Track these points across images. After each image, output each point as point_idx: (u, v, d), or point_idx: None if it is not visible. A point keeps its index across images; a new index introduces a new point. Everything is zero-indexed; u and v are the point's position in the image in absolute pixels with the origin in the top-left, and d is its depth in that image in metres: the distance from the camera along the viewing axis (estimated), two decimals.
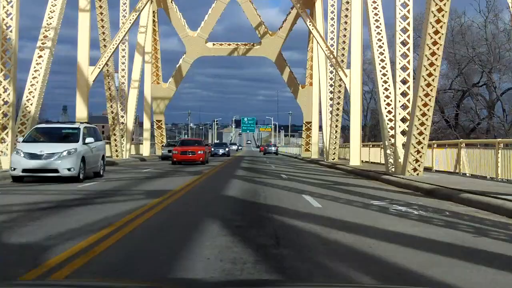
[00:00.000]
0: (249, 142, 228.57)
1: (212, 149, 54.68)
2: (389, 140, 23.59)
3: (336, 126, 39.15)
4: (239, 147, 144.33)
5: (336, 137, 39.32)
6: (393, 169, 22.24)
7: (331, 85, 41.92)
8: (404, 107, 21.83)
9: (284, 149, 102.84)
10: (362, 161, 33.13)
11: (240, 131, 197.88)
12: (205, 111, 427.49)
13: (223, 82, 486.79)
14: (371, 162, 33.62)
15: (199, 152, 33.95)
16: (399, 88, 21.78)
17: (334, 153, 39.66)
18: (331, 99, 41.72)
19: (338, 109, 38.77)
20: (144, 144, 53.11)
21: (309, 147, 58.94)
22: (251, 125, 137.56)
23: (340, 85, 37.89)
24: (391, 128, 23.97)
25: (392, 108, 24.38)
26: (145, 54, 51.96)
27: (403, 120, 21.77)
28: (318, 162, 40.52)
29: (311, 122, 57.64)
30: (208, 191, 15.95)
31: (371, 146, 36.90)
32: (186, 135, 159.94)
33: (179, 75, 57.75)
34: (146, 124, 52.58)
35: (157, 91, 56.94)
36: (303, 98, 57.65)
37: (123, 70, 42.61)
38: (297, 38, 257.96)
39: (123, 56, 42.66)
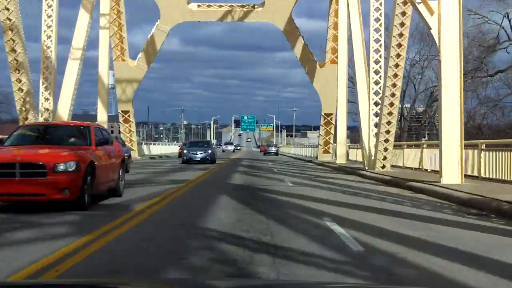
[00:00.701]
0: (249, 140, 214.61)
1: (185, 151, 36.62)
2: None
3: (390, 114, 23.87)
4: (237, 147, 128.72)
5: (389, 132, 24.06)
6: None
7: (376, 51, 26.61)
8: None
9: (288, 149, 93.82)
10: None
11: (240, 131, 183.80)
12: (205, 111, 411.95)
13: (224, 82, 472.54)
14: (468, 176, 18.32)
15: (57, 168, 10.21)
16: None
17: (385, 159, 24.40)
18: (376, 72, 26.47)
19: (394, 85, 23.36)
20: None
21: (328, 148, 43.71)
22: (252, 123, 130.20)
23: (399, 45, 22.51)
24: None
25: None
26: (101, 16, 36.83)
27: None
28: (357, 172, 25.15)
29: (332, 114, 42.58)
30: None
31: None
32: (181, 135, 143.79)
33: (151, 49, 42.20)
34: (102, 115, 37.03)
35: (122, 71, 41.78)
36: (322, 81, 42.14)
37: (49, 27, 27.31)
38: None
39: (50, 6, 27.35)
